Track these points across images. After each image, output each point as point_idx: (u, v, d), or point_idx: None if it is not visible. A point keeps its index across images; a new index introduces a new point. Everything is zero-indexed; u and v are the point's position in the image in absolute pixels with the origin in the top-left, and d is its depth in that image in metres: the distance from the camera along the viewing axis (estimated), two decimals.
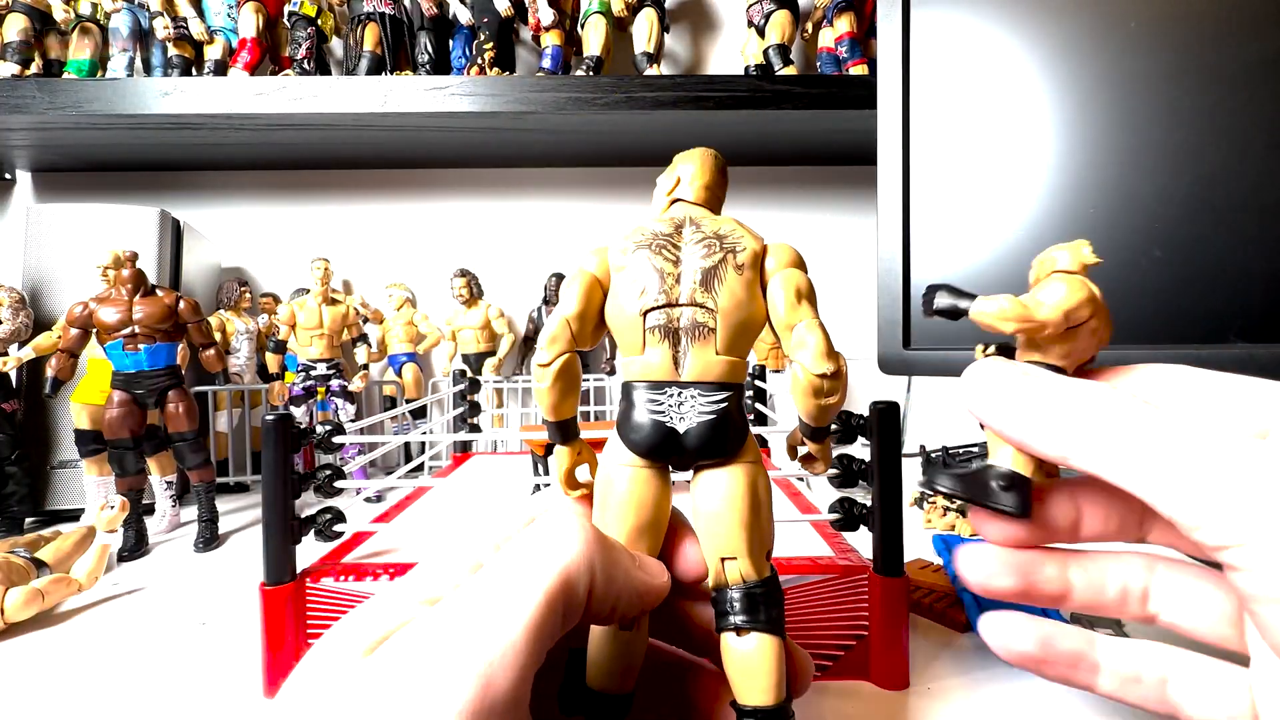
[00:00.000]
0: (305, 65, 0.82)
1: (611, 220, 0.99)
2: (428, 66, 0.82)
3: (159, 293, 0.62)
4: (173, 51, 0.81)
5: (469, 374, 0.76)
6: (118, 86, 0.73)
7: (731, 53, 0.96)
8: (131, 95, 0.73)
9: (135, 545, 0.58)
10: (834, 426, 0.36)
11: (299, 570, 0.35)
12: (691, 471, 0.23)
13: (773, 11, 0.81)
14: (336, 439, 0.41)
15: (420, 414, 0.87)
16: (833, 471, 0.36)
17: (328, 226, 0.99)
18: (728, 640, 0.22)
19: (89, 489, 0.66)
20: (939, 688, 0.34)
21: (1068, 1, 0.43)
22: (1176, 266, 0.41)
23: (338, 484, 0.38)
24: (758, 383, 0.73)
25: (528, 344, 0.96)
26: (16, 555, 0.47)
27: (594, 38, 0.81)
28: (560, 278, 0.92)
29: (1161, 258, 0.41)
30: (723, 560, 0.22)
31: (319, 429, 0.41)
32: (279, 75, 0.82)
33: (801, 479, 0.54)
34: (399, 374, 0.90)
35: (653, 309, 0.22)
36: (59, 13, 0.80)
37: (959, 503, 0.58)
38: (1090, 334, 0.22)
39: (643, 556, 0.22)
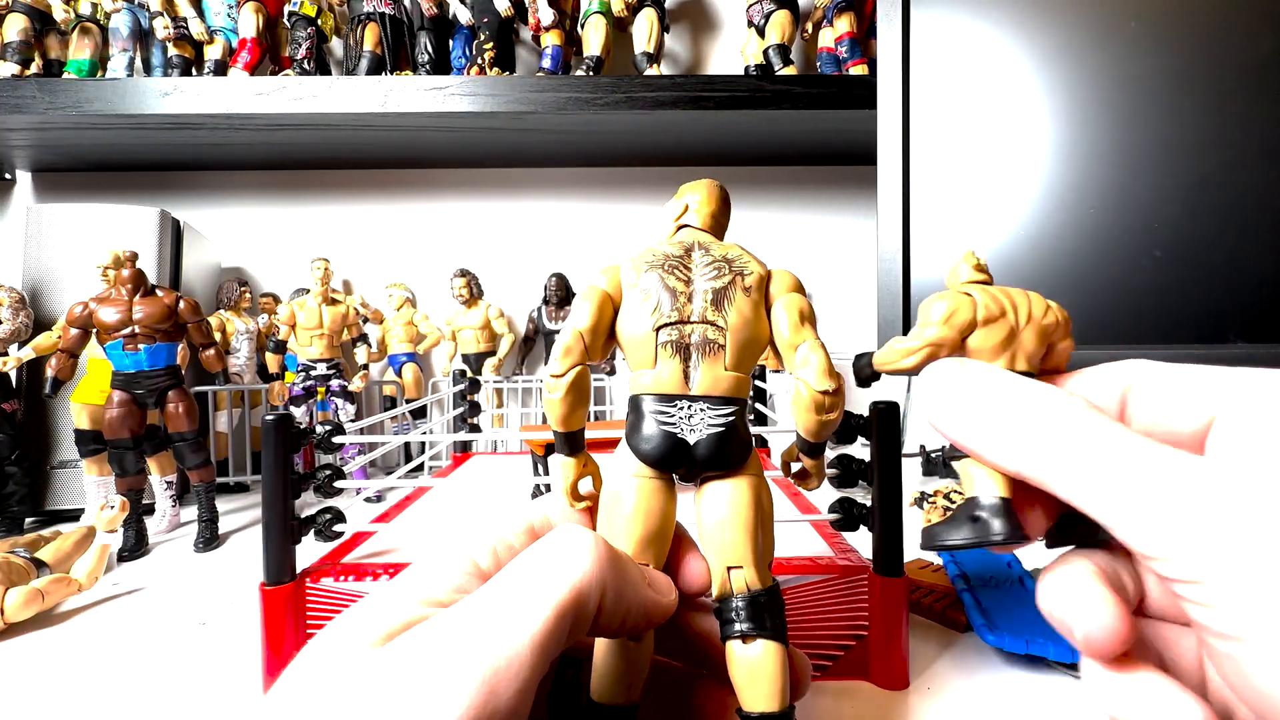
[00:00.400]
0: (305, 65, 0.82)
1: (612, 220, 0.99)
2: (428, 66, 0.82)
3: (159, 293, 0.62)
4: (173, 51, 0.81)
5: (469, 374, 0.76)
6: (118, 86, 0.73)
7: (731, 53, 0.96)
8: (131, 95, 0.73)
9: (135, 545, 0.58)
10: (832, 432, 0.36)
11: (299, 570, 0.35)
12: (697, 483, 0.24)
13: (773, 11, 0.81)
14: (336, 439, 0.41)
15: (420, 414, 0.87)
16: (832, 471, 0.36)
17: (328, 226, 0.99)
18: (733, 648, 0.22)
19: (89, 489, 0.66)
20: (939, 688, 0.34)
21: (1068, 2, 0.43)
22: (1176, 266, 0.41)
23: (338, 484, 0.38)
24: (757, 382, 0.73)
25: (528, 344, 0.96)
26: (16, 555, 0.47)
27: (594, 38, 0.81)
28: (560, 278, 0.92)
29: (1161, 258, 0.41)
30: (728, 569, 0.23)
31: (319, 429, 0.41)
32: (279, 75, 0.82)
33: None
34: (399, 374, 0.90)
35: (666, 325, 0.23)
36: (59, 13, 0.80)
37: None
38: (1008, 335, 0.22)
39: (652, 573, 0.22)
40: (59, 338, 0.62)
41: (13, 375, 0.67)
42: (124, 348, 0.59)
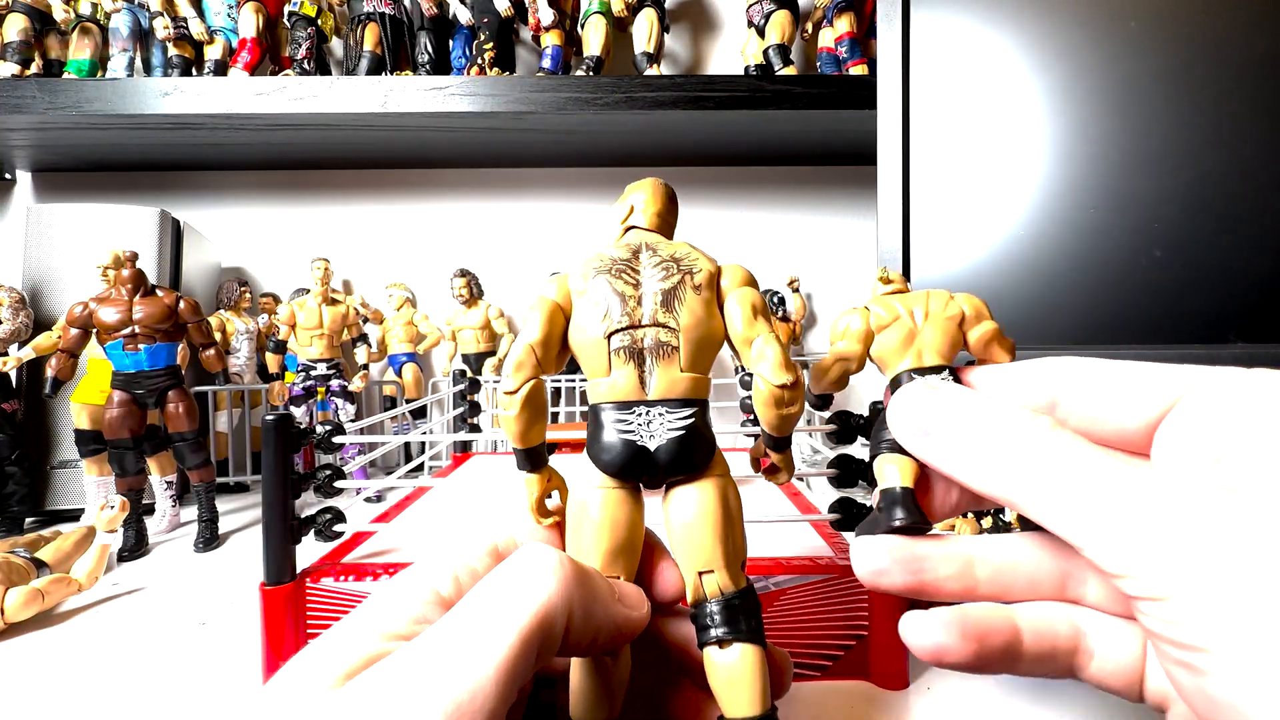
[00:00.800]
0: (305, 65, 0.82)
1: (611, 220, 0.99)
2: (428, 66, 0.82)
3: (159, 293, 0.62)
4: (173, 51, 0.81)
5: (469, 374, 0.76)
6: (118, 86, 0.73)
7: (731, 53, 0.96)
8: (131, 95, 0.73)
9: (135, 545, 0.58)
10: (828, 428, 0.36)
11: (299, 570, 0.35)
12: (663, 490, 0.23)
13: (773, 11, 0.81)
14: (336, 439, 0.41)
15: (420, 414, 0.87)
16: (832, 471, 0.36)
17: (328, 226, 0.99)
18: (710, 654, 0.22)
19: (89, 489, 0.66)
20: (939, 688, 0.34)
21: (1068, 2, 0.43)
22: (1176, 266, 0.41)
23: (338, 484, 0.38)
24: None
25: None
26: (16, 555, 0.47)
27: (594, 38, 0.81)
28: None
29: (1161, 257, 0.41)
30: (700, 574, 0.22)
31: (319, 429, 0.41)
32: (279, 75, 0.82)
33: (802, 479, 0.54)
34: (399, 374, 0.90)
35: (617, 331, 0.22)
36: (59, 13, 0.80)
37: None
38: (908, 335, 0.24)
39: (622, 587, 0.22)
40: (59, 338, 0.62)
41: (13, 375, 0.67)
42: (124, 348, 0.59)
